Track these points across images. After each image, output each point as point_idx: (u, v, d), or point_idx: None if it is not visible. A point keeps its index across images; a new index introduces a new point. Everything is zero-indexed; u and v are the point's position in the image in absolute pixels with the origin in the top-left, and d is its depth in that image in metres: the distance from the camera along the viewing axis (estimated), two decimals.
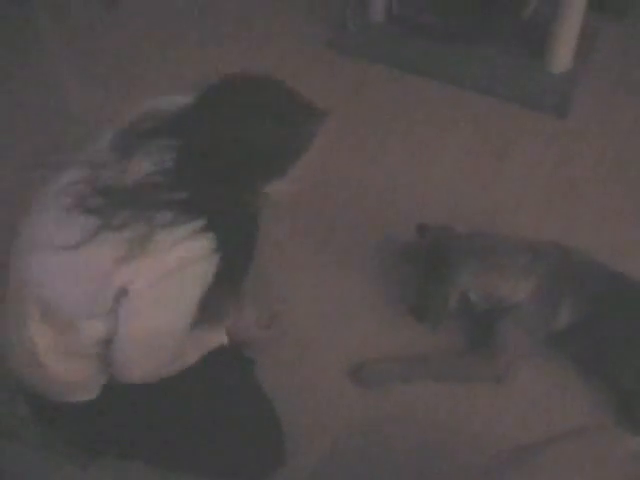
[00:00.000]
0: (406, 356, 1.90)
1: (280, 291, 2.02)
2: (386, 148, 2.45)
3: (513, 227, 2.16)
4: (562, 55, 2.52)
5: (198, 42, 2.84)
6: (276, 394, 1.73)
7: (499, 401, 1.84)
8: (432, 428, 1.80)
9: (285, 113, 1.34)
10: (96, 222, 1.28)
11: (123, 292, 1.31)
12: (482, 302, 1.82)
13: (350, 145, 2.46)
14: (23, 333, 1.45)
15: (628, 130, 2.47)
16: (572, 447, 1.12)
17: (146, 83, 2.58)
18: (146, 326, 1.37)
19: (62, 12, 2.96)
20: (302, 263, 2.11)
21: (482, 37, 2.65)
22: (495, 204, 2.26)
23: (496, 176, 2.35)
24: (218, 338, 1.65)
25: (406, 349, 1.93)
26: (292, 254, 2.11)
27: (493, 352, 1.83)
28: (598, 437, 1.16)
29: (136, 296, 1.31)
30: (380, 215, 2.24)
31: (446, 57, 2.65)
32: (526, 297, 1.79)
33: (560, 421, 1.76)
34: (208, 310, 1.53)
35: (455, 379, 1.87)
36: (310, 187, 2.14)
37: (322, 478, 1.71)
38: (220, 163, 1.31)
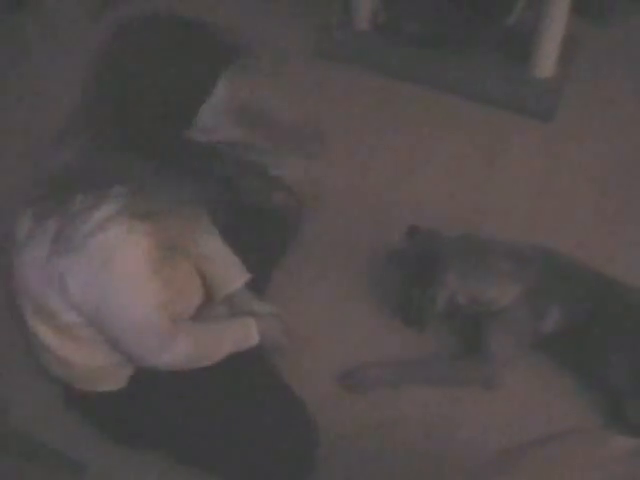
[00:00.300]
0: (395, 361, 1.91)
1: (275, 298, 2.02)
2: (375, 154, 2.46)
3: (502, 231, 2.15)
4: (546, 60, 2.54)
5: None
6: None
7: (490, 405, 1.84)
8: (423, 433, 1.80)
9: (182, 51, 1.26)
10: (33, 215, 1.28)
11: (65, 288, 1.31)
12: (469, 305, 1.82)
13: (339, 152, 2.47)
14: (31, 331, 1.48)
15: (614, 133, 2.49)
16: (556, 449, 1.12)
17: None
18: (107, 317, 1.35)
19: (52, 24, 2.98)
20: (294, 269, 2.11)
21: (467, 44, 2.67)
22: (484, 208, 2.27)
23: (485, 180, 2.36)
24: (250, 337, 1.63)
25: (396, 354, 1.93)
26: (284, 260, 2.11)
27: (482, 357, 1.84)
28: (582, 438, 1.16)
29: (79, 293, 1.31)
30: (370, 220, 2.25)
31: (432, 64, 2.67)
32: (513, 301, 1.79)
33: (551, 424, 1.77)
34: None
35: (444, 383, 1.87)
36: (300, 193, 2.15)
37: None
38: (132, 112, 1.24)
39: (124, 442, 1.70)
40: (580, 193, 2.32)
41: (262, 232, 1.82)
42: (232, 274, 1.70)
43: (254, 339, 1.63)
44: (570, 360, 1.86)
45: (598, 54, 2.75)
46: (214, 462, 1.62)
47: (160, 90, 1.22)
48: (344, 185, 2.36)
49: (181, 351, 1.49)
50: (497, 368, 1.84)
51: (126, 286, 1.30)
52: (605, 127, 2.51)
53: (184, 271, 1.49)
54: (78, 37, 2.90)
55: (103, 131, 1.25)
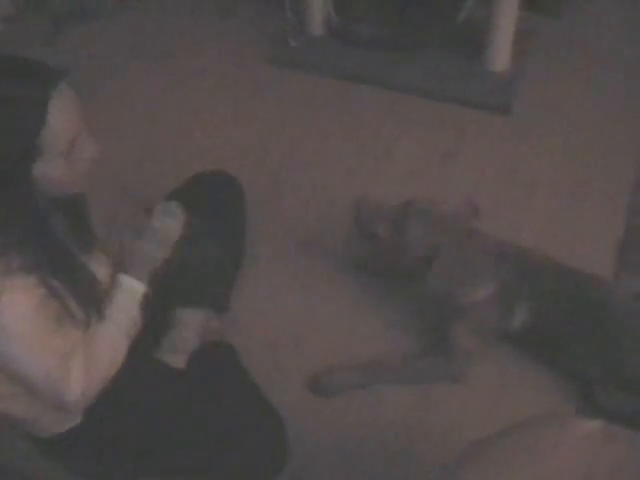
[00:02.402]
0: (360, 363, 1.88)
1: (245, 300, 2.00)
2: (336, 157, 2.47)
3: None
4: (500, 54, 2.57)
5: (139, 71, 2.84)
6: None
7: (463, 399, 1.83)
8: (398, 433, 1.78)
9: (3, 89, 1.17)
10: None
11: None
12: (440, 292, 1.78)
13: (301, 156, 2.47)
14: None
15: (570, 123, 2.51)
16: (525, 435, 1.12)
17: None
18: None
19: (1, 49, 2.95)
20: (264, 273, 2.10)
21: (420, 43, 2.69)
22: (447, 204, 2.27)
23: (445, 176, 2.37)
24: (136, 290, 1.47)
25: (364, 356, 1.92)
26: (254, 264, 2.09)
27: (448, 353, 1.82)
28: (550, 422, 1.16)
29: None
30: (336, 221, 2.24)
31: (388, 65, 2.69)
32: (485, 299, 1.77)
33: (524, 414, 1.76)
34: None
35: (411, 381, 1.85)
36: (267, 196, 2.14)
37: None
38: None
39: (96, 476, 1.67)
40: (539, 184, 2.33)
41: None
42: None
43: (141, 287, 1.46)
44: (539, 352, 1.86)
45: (552, 46, 2.78)
46: (184, 475, 1.61)
47: None
48: (307, 186, 2.37)
49: (81, 377, 1.34)
50: (463, 364, 1.83)
51: (6, 346, 1.24)
52: (561, 118, 2.54)
53: None
54: None
55: None
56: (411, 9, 2.72)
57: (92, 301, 1.36)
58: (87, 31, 3.04)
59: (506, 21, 2.45)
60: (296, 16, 2.74)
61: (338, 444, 1.77)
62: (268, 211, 2.21)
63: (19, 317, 1.22)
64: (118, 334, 1.41)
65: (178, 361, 1.66)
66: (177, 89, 2.77)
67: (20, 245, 1.22)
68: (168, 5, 3.15)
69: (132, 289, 1.45)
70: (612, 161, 2.37)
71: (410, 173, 2.39)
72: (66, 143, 1.22)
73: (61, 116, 1.20)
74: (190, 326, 1.72)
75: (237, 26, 2.99)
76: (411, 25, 2.70)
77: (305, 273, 2.10)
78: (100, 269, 1.45)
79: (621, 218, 2.21)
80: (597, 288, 1.81)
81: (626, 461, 1.01)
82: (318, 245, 2.18)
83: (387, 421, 1.81)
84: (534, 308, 1.76)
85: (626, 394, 1.71)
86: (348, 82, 2.70)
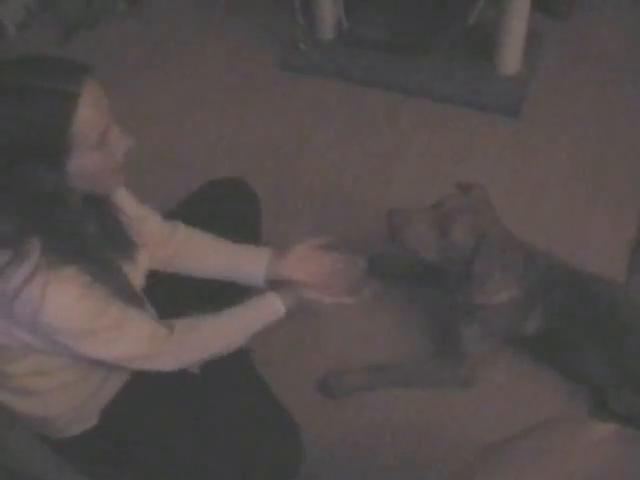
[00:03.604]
0: (370, 365, 1.90)
1: None
2: (347, 161, 2.47)
3: None
4: (510, 57, 2.56)
5: (151, 74, 2.86)
6: None
7: (475, 403, 1.84)
8: (410, 436, 1.79)
9: (25, 85, 1.18)
10: None
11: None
12: (463, 282, 1.73)
13: (310, 160, 2.48)
14: None
15: (580, 126, 2.51)
16: (538, 439, 1.12)
17: None
18: (80, 354, 1.35)
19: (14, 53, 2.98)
20: None
21: (430, 46, 2.69)
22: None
23: (456, 179, 2.36)
24: (276, 311, 1.59)
25: (372, 357, 1.93)
26: None
27: (458, 357, 1.82)
28: (564, 426, 1.16)
29: (35, 344, 1.31)
30: (347, 224, 2.25)
31: (399, 68, 2.69)
32: (506, 302, 1.73)
33: (536, 417, 1.75)
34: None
35: (421, 384, 1.86)
36: (277, 200, 2.15)
37: None
38: None
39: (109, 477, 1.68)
40: (549, 187, 2.33)
41: None
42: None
43: (280, 312, 1.59)
44: (551, 356, 1.85)
45: (562, 49, 2.78)
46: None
47: (21, 124, 1.17)
48: (314, 192, 2.37)
49: (169, 363, 1.48)
50: (472, 368, 1.83)
51: (66, 332, 1.29)
52: (571, 120, 2.53)
53: None
54: None
55: None
56: (421, 12, 2.72)
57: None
58: (98, 36, 3.06)
59: (517, 24, 2.45)
60: (306, 20, 2.74)
61: (350, 446, 1.78)
62: (278, 214, 2.21)
63: (69, 304, 1.25)
64: (234, 331, 1.55)
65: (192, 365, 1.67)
66: (187, 92, 2.78)
67: (59, 241, 1.24)
68: (178, 9, 3.16)
69: (276, 311, 1.59)
70: (623, 163, 2.37)
71: (420, 176, 2.40)
72: (97, 136, 1.23)
73: (90, 109, 1.20)
74: None
75: (247, 30, 2.99)
76: (421, 28, 2.70)
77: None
78: (135, 275, 1.48)
79: (633, 220, 2.20)
80: (609, 291, 1.80)
81: None
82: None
83: (399, 424, 1.82)
84: (547, 313, 1.75)
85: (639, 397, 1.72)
86: (358, 85, 2.70)
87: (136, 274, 1.48)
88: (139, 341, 1.40)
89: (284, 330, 1.96)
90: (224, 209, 1.82)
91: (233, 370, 1.68)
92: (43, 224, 1.24)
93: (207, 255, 1.71)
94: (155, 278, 1.58)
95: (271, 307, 1.59)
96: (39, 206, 1.23)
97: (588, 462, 1.04)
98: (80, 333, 1.30)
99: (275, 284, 1.70)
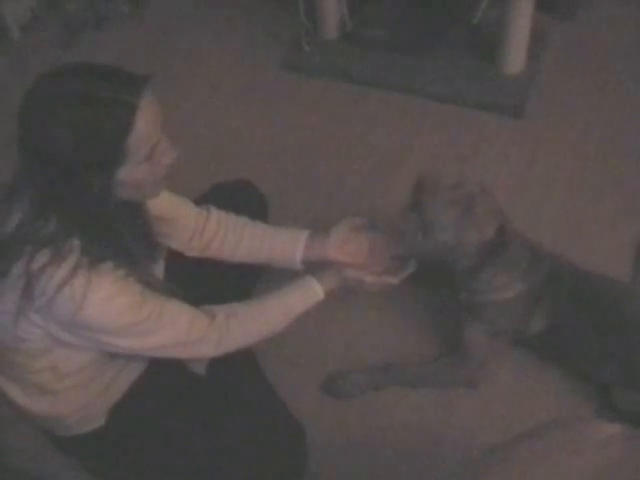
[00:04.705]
0: (376, 365, 1.89)
1: None
2: (351, 161, 2.47)
3: None
4: (514, 57, 2.56)
5: (154, 72, 2.86)
6: None
7: (481, 402, 1.83)
8: (416, 436, 1.79)
9: (89, 93, 1.20)
10: None
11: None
12: (467, 276, 1.72)
13: (314, 160, 2.48)
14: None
15: (584, 126, 2.50)
16: (546, 438, 1.12)
17: None
18: (119, 347, 1.38)
19: (19, 57, 2.99)
20: (281, 278, 2.09)
21: (434, 46, 2.69)
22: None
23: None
24: (315, 294, 1.61)
25: (377, 357, 1.93)
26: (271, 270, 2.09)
27: (463, 357, 1.82)
28: (573, 426, 1.16)
29: (69, 340, 1.34)
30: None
31: (402, 68, 2.68)
32: (510, 299, 1.72)
33: (542, 417, 1.76)
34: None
35: (426, 384, 1.86)
36: (281, 200, 2.14)
37: None
38: (50, 165, 1.22)
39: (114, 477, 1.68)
40: (553, 186, 2.33)
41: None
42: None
43: (319, 295, 1.62)
44: (556, 356, 1.85)
45: (566, 48, 2.77)
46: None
47: (82, 131, 1.20)
48: (319, 193, 2.37)
49: (210, 350, 1.50)
50: (478, 368, 1.83)
51: (108, 325, 1.32)
52: (575, 120, 2.52)
53: None
54: (47, 69, 2.91)
55: (37, 192, 1.26)
56: (425, 13, 2.72)
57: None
58: (101, 37, 3.07)
59: (521, 23, 2.45)
60: (310, 20, 2.74)
61: (354, 447, 1.78)
62: (281, 215, 2.21)
63: (109, 299, 1.28)
64: (275, 317, 1.58)
65: (198, 366, 1.67)
66: (190, 94, 2.78)
67: (98, 241, 1.28)
68: (181, 11, 3.17)
69: (316, 294, 1.61)
70: (627, 162, 2.36)
71: None
72: (150, 148, 1.26)
73: (147, 121, 1.23)
74: None
75: (250, 30, 2.99)
76: (425, 28, 2.70)
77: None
78: (158, 272, 1.53)
79: (638, 219, 2.20)
80: (614, 290, 1.80)
81: None
82: None
83: (404, 425, 1.82)
84: (552, 311, 1.75)
85: None
86: (362, 86, 2.70)
87: (159, 271, 1.53)
88: (178, 329, 1.42)
89: (289, 330, 1.97)
90: (233, 211, 1.82)
91: (238, 372, 1.69)
92: (85, 225, 1.27)
93: (242, 239, 1.74)
94: (175, 267, 1.61)
95: (311, 291, 1.61)
96: (83, 208, 1.26)
97: (595, 461, 1.05)
98: (120, 326, 1.33)
99: (313, 266, 1.73)
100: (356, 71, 2.72)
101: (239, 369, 1.69)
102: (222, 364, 1.60)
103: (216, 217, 1.73)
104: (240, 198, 1.93)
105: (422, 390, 1.87)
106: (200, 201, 1.90)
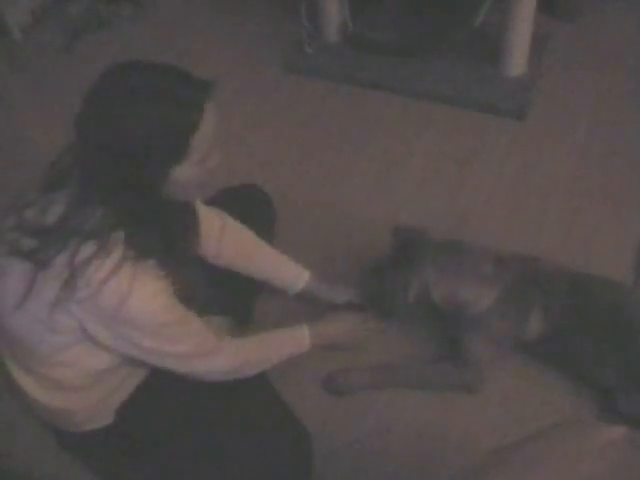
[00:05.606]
0: (376, 365, 1.89)
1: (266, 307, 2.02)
2: (351, 163, 2.47)
3: (480, 233, 2.17)
4: (516, 59, 2.56)
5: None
6: None
7: (482, 405, 1.83)
8: (416, 438, 1.78)
9: (164, 90, 1.25)
10: (31, 267, 1.29)
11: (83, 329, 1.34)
12: (445, 307, 1.80)
13: (316, 163, 2.48)
14: (12, 380, 1.51)
15: (587, 128, 2.50)
16: (547, 442, 1.11)
17: None
18: (144, 348, 1.39)
19: (21, 58, 2.99)
20: None
21: (436, 49, 2.69)
22: (462, 211, 2.27)
23: (462, 182, 2.37)
24: (302, 345, 1.71)
25: (378, 358, 1.92)
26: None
27: (462, 362, 1.82)
28: (575, 429, 1.15)
29: (99, 335, 1.34)
30: (350, 228, 2.25)
31: (404, 71, 2.69)
32: (491, 307, 1.76)
33: (544, 420, 1.75)
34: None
35: (425, 387, 1.86)
36: (283, 203, 2.15)
37: None
38: (117, 157, 1.24)
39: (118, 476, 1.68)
40: (555, 188, 2.32)
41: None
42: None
43: (305, 347, 1.71)
44: (556, 359, 1.84)
45: (567, 50, 2.78)
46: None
47: (153, 126, 1.23)
48: (319, 196, 2.37)
49: (220, 365, 1.53)
50: (477, 373, 1.83)
51: (150, 323, 1.34)
52: (577, 122, 2.52)
53: None
54: (48, 71, 2.92)
55: (88, 184, 1.28)
56: (427, 15, 2.72)
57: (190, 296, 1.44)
58: (103, 39, 3.07)
59: (523, 25, 2.45)
60: (311, 23, 2.74)
61: (356, 450, 1.78)
62: (284, 215, 2.20)
63: (152, 296, 1.30)
64: (260, 355, 1.63)
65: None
66: None
67: (143, 236, 1.30)
68: (183, 13, 3.17)
69: (301, 342, 1.71)
70: (629, 165, 2.36)
71: (426, 179, 2.39)
72: (205, 151, 1.30)
73: (210, 123, 1.28)
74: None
75: (252, 33, 3.00)
76: (427, 31, 2.70)
77: (323, 276, 2.10)
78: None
79: (639, 222, 2.19)
80: (615, 293, 1.80)
81: None
82: (335, 249, 2.19)
83: (406, 428, 1.81)
84: (550, 316, 1.75)
85: None
86: (363, 89, 2.70)
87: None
88: (203, 338, 1.46)
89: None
90: (241, 214, 1.85)
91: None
92: (132, 219, 1.29)
93: (253, 257, 1.86)
94: None
95: (301, 340, 1.71)
96: (133, 202, 1.29)
97: (598, 465, 1.04)
98: (155, 326, 1.35)
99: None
100: (358, 74, 2.72)
101: None
102: None
103: (231, 228, 1.79)
104: (248, 202, 1.96)
105: (423, 394, 1.86)
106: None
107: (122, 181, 1.25)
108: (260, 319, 1.98)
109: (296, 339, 1.71)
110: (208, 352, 1.49)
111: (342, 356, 1.92)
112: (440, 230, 2.00)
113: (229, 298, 1.82)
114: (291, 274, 1.91)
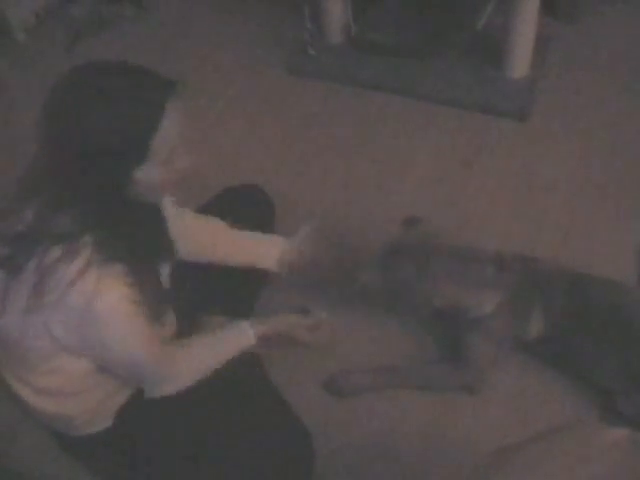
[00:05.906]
0: (378, 366, 1.89)
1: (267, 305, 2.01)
2: (354, 165, 2.47)
3: (482, 234, 2.17)
4: (519, 61, 2.56)
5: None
6: None
7: (484, 407, 1.83)
8: (417, 441, 1.78)
9: (122, 90, 1.24)
10: (5, 275, 1.30)
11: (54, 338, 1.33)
12: (447, 310, 1.81)
13: (318, 164, 2.48)
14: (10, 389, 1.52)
15: (590, 130, 2.50)
16: (551, 444, 1.11)
17: None
18: (105, 355, 1.39)
19: (23, 58, 3.00)
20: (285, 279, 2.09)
21: (439, 50, 2.69)
22: (465, 212, 2.27)
23: (464, 184, 2.37)
24: (247, 339, 1.65)
25: (380, 359, 1.92)
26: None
27: (463, 364, 1.82)
28: (578, 430, 1.15)
29: (70, 339, 1.34)
30: (356, 225, 2.24)
31: (406, 72, 2.69)
32: (494, 309, 1.77)
33: (545, 422, 1.75)
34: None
35: (427, 388, 1.86)
36: (285, 204, 2.15)
37: None
38: (78, 158, 1.23)
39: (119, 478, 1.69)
40: (557, 190, 2.32)
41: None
42: None
43: (251, 340, 1.65)
44: (558, 361, 1.84)
45: (570, 52, 2.77)
46: None
47: (111, 127, 1.22)
48: (321, 197, 2.37)
49: (181, 374, 1.53)
50: (479, 374, 1.83)
51: (113, 326, 1.32)
52: (579, 124, 2.52)
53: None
54: (50, 71, 2.92)
55: (55, 187, 1.28)
56: (429, 17, 2.72)
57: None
58: (106, 39, 3.07)
59: (526, 27, 2.45)
60: (315, 24, 2.74)
61: (358, 451, 1.78)
62: (286, 216, 2.21)
63: (117, 300, 1.29)
64: (207, 359, 1.59)
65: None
66: (194, 97, 2.78)
67: (111, 240, 1.29)
68: (185, 14, 3.17)
69: (246, 337, 1.65)
70: (631, 166, 2.36)
71: (429, 180, 2.39)
72: (168, 151, 1.28)
73: (172, 123, 1.26)
74: None
75: (255, 34, 3.00)
76: (430, 32, 2.70)
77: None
78: (165, 278, 1.53)
79: (639, 222, 2.19)
80: (615, 293, 1.80)
81: None
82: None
83: (407, 430, 1.81)
84: (550, 317, 1.75)
85: None
86: (366, 90, 2.70)
87: (165, 274, 1.54)
88: (156, 348, 1.45)
89: None
90: (241, 214, 1.85)
91: (245, 377, 1.68)
92: (100, 222, 1.28)
93: (219, 244, 1.78)
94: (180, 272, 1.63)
95: (244, 335, 1.65)
96: (99, 204, 1.28)
97: (601, 467, 1.04)
98: (122, 330, 1.33)
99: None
100: (360, 75, 2.72)
101: (246, 374, 1.69)
102: (228, 369, 1.61)
103: (191, 219, 1.76)
104: (249, 202, 1.96)
105: (425, 396, 1.86)
106: (208, 206, 1.92)
107: (87, 182, 1.25)
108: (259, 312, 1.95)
109: (240, 337, 1.67)
110: (166, 363, 1.49)
111: (343, 357, 1.92)
112: (443, 230, 2.00)
113: (229, 298, 1.82)
114: (265, 246, 1.83)
